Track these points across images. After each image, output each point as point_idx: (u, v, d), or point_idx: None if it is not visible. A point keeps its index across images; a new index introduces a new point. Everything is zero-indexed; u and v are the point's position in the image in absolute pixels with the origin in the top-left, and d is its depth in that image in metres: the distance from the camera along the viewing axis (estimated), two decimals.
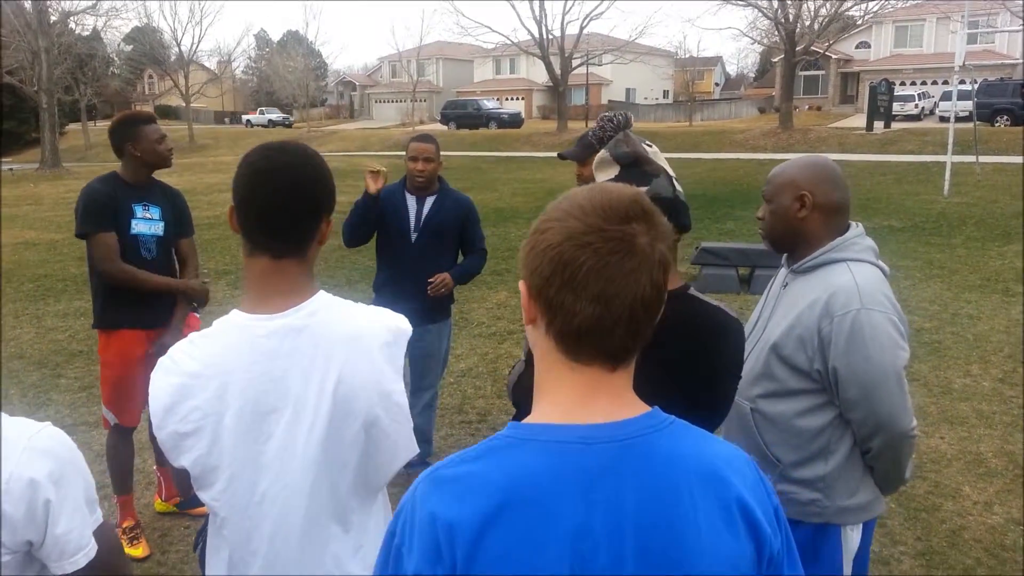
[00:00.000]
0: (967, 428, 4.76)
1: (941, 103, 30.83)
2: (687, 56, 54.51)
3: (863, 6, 29.52)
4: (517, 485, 0.91)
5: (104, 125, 53.84)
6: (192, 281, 3.62)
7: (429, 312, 3.93)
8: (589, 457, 0.92)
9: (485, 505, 0.90)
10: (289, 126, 51.47)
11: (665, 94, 61.03)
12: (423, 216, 3.96)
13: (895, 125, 28.28)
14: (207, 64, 62.23)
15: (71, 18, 30.22)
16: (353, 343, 1.40)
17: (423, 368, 4.09)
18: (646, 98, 58.23)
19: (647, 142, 1.68)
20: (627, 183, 1.61)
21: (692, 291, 1.64)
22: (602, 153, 1.64)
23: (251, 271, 1.42)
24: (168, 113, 58.14)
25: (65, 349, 6.63)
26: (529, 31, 33.36)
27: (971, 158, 17.14)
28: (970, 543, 3.55)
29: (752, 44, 42.85)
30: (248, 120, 56.58)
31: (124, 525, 3.59)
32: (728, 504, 0.94)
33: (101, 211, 3.37)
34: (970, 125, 19.11)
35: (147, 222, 3.51)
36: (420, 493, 0.94)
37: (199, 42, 76.83)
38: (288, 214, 1.39)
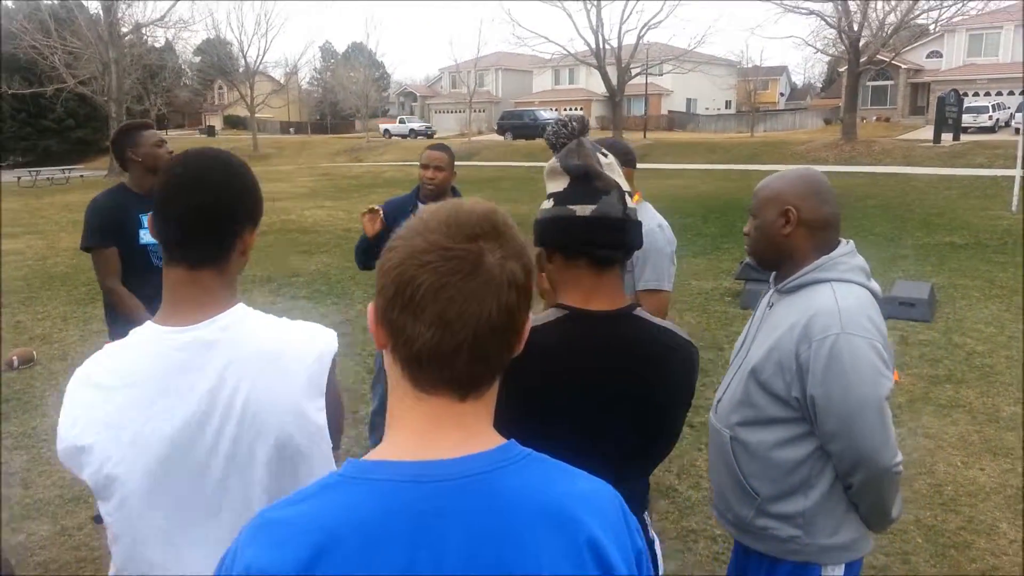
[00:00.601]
0: (1011, 460, 4.47)
1: (1017, 114, 29.56)
2: (750, 65, 53.61)
3: (933, 14, 28.52)
4: (341, 528, 0.83)
5: (176, 135, 55.99)
6: None
7: None
8: (420, 497, 0.85)
9: (303, 551, 0.82)
10: (431, 135, 48.03)
11: (727, 104, 60.16)
12: None
13: (966, 138, 27.22)
14: (273, 75, 63.93)
15: (142, 29, 31.37)
16: (268, 359, 1.34)
17: None
18: (707, 108, 57.50)
19: (603, 151, 1.58)
20: (575, 197, 1.52)
21: (639, 312, 1.53)
22: (551, 162, 1.54)
23: (167, 281, 1.38)
24: (236, 123, 59.89)
25: None
26: (585, 40, 33.23)
27: None
28: None
29: (816, 53, 41.82)
30: (386, 130, 52.69)
31: None
32: (578, 545, 0.86)
33: (103, 225, 3.42)
34: None
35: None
36: (243, 539, 0.87)
37: (264, 53, 78.79)
38: (203, 223, 1.34)
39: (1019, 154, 14.10)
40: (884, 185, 18.52)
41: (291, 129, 64.48)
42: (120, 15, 28.66)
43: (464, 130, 49.29)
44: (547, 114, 42.55)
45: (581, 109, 56.46)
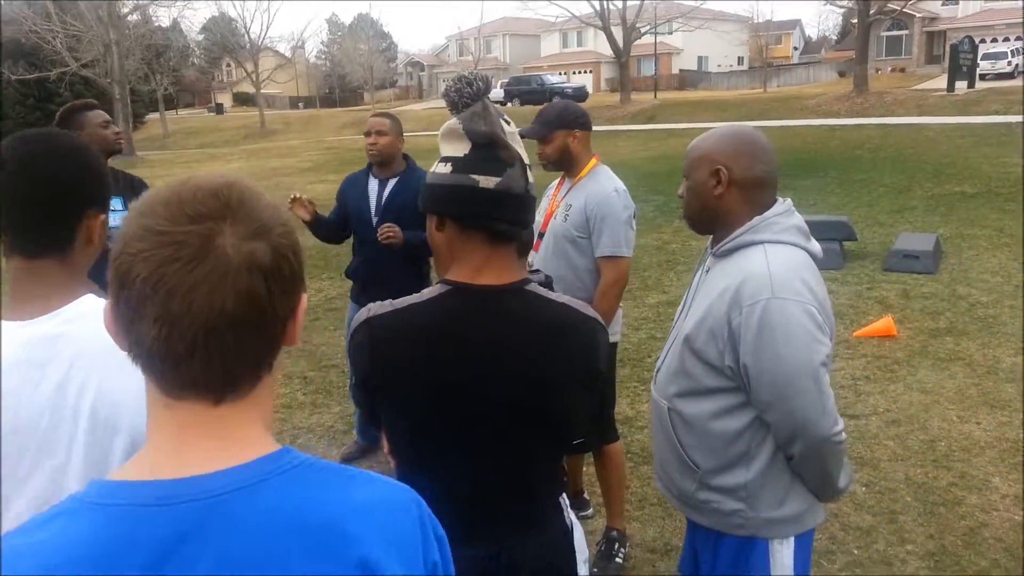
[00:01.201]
0: (1008, 413, 4.35)
1: None
2: (761, 20, 52.50)
3: None
4: (63, 567, 0.71)
5: (185, 114, 55.87)
6: None
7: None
8: (165, 523, 0.74)
9: None
10: (583, 97, 38.30)
11: (740, 61, 59.07)
12: (383, 198, 3.83)
13: (984, 84, 26.51)
14: (280, 50, 63.55)
15: (139, 10, 31.11)
16: (117, 353, 1.26)
17: None
18: (719, 65, 56.49)
19: (506, 118, 1.47)
20: (478, 166, 1.41)
21: (533, 287, 1.44)
22: (452, 123, 1.43)
23: (8, 273, 1.29)
24: (246, 100, 59.63)
25: None
26: (589, 2, 32.60)
27: None
28: (989, 542, 3.21)
29: (826, 5, 40.68)
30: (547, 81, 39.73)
31: None
32: (346, 566, 0.76)
33: None
34: None
35: (113, 214, 3.47)
36: None
37: (267, 28, 78.27)
38: (36, 210, 1.26)
39: None
40: (896, 136, 18.09)
41: (300, 104, 64.21)
42: None
43: None
44: (554, 78, 41.96)
45: (590, 71, 55.76)
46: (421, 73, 69.29)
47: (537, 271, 2.83)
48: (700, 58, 56.24)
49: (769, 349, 1.70)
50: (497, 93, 38.77)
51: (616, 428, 3.32)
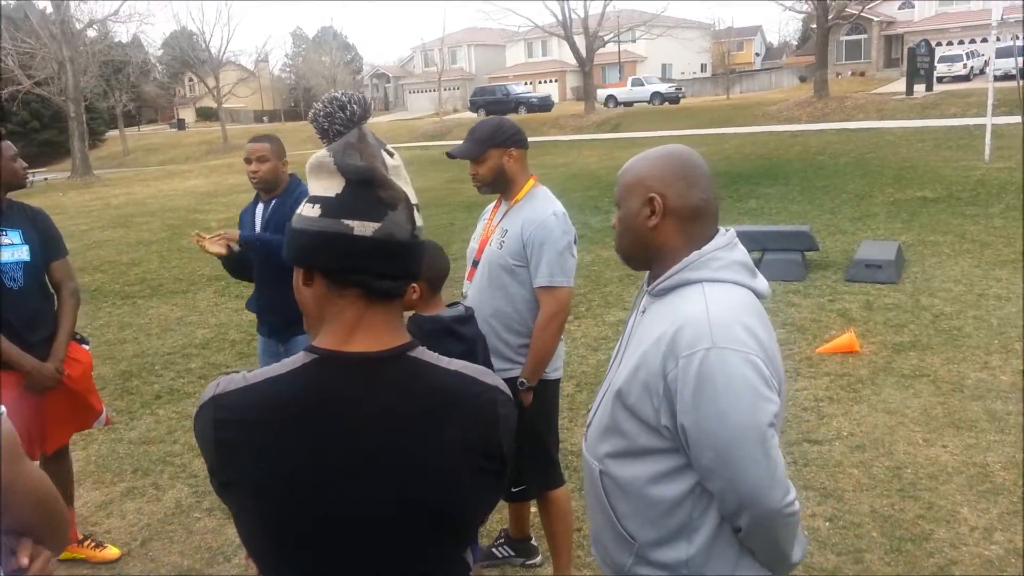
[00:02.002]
0: (975, 434, 4.18)
1: (994, 60, 29.24)
2: (723, 27, 52.95)
3: None
4: None
5: (148, 130, 54.91)
6: (43, 365, 3.21)
7: (297, 322, 3.38)
8: None
9: None
10: (679, 99, 37.67)
11: (703, 68, 59.49)
12: (264, 220, 3.64)
13: (941, 88, 26.87)
14: (245, 64, 62.77)
15: (95, 25, 30.43)
16: None
17: None
18: (683, 73, 56.87)
19: (388, 148, 1.22)
20: (353, 209, 1.13)
21: (419, 352, 1.20)
22: (321, 155, 1.18)
23: None
24: (209, 115, 58.79)
25: None
26: (551, 10, 32.56)
27: (1017, 119, 16.05)
28: None
29: (784, 11, 41.16)
30: (611, 96, 39.24)
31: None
32: None
33: None
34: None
35: (7, 248, 3.18)
36: None
37: (228, 42, 77.28)
38: None
39: (989, 102, 13.79)
40: (857, 141, 18.17)
41: (264, 118, 63.47)
42: (73, 12, 27.81)
43: (438, 109, 48.57)
44: (520, 88, 41.93)
45: (555, 81, 55.80)
46: (387, 85, 68.88)
47: (456, 304, 2.60)
48: (664, 65, 56.55)
49: (709, 408, 1.47)
50: (413, 103, 38.54)
51: (561, 473, 3.09)
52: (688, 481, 1.57)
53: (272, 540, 1.17)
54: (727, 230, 1.69)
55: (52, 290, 3.41)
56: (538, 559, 3.32)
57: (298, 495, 1.12)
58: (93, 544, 3.63)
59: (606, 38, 34.38)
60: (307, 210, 1.16)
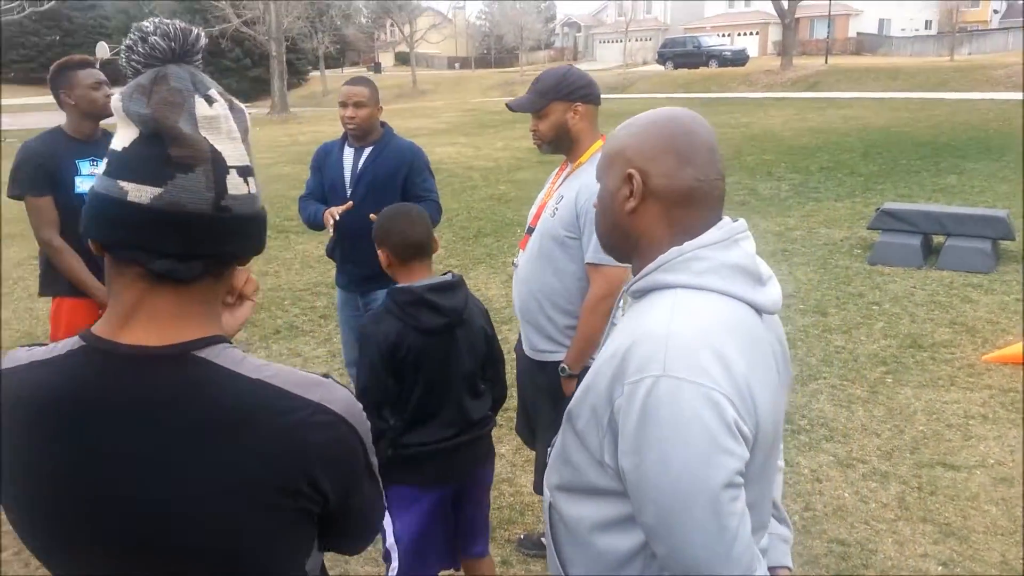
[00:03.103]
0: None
1: None
2: None
3: None
4: None
5: (350, 72, 57.81)
6: None
7: (378, 277, 3.10)
8: None
9: None
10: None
11: (927, 24, 53.62)
12: (359, 168, 3.47)
13: None
14: (442, 10, 64.25)
15: None
16: None
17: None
18: (903, 29, 51.59)
19: (210, 93, 0.96)
20: (133, 169, 0.89)
21: (220, 351, 0.94)
22: (115, 98, 0.95)
23: None
24: (406, 60, 60.98)
25: None
26: None
27: None
28: None
29: None
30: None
31: None
32: None
33: (34, 173, 3.16)
34: None
35: (94, 178, 3.24)
36: None
37: None
38: None
39: None
40: None
41: (456, 64, 64.84)
42: None
43: (628, 61, 47.31)
44: (712, 40, 39.81)
45: (756, 34, 52.55)
46: (577, 34, 68.02)
47: (447, 273, 2.30)
48: (881, 21, 51.60)
49: (651, 453, 1.12)
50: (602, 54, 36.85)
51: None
52: (639, 535, 1.22)
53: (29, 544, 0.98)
54: (736, 220, 1.29)
55: None
56: None
57: (36, 510, 0.92)
58: None
59: None
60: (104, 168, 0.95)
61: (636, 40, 54.38)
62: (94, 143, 3.25)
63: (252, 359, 0.97)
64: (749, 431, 1.14)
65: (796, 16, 30.94)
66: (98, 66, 3.32)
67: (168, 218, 0.90)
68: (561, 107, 2.50)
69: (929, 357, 4.88)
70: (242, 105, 1.01)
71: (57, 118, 3.33)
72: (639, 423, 1.12)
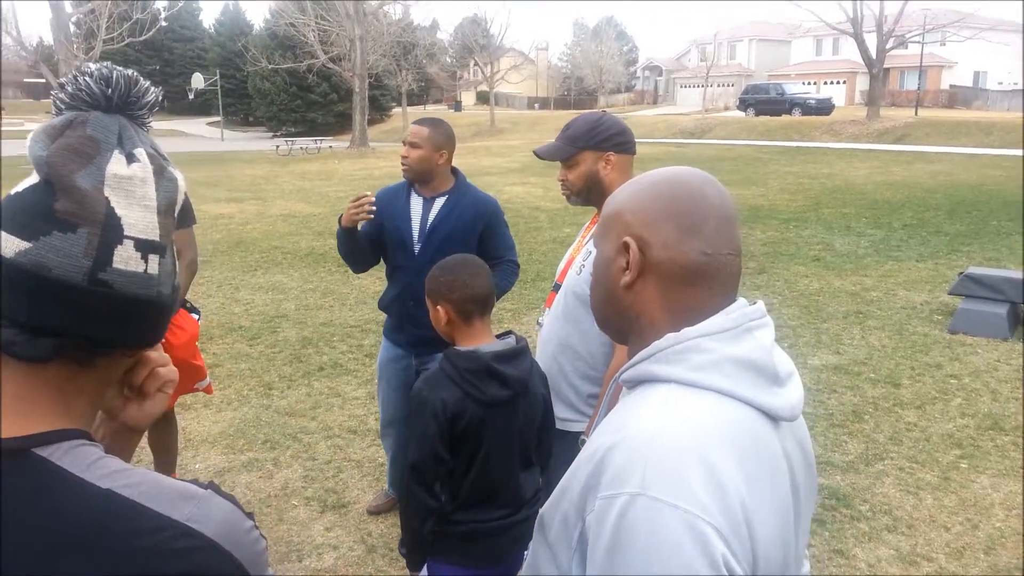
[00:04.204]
0: None
1: None
2: None
3: None
4: None
5: (431, 109, 59.17)
6: None
7: (440, 340, 3.06)
8: None
9: None
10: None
11: None
12: (428, 221, 3.22)
13: None
14: (524, 51, 65.21)
15: (389, 6, 32.94)
16: None
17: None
18: (1000, 83, 49.64)
19: (143, 150, 0.82)
20: (19, 213, 0.77)
21: (51, 452, 0.78)
22: (31, 135, 0.83)
23: None
24: (487, 99, 62.15)
25: (216, 323, 6.89)
26: (843, 8, 29.71)
27: None
28: None
29: None
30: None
31: None
32: None
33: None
34: None
35: None
36: None
37: (506, 30, 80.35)
38: None
39: None
40: None
41: (536, 104, 65.53)
42: None
43: (708, 105, 46.92)
44: (796, 88, 39.10)
45: (843, 82, 51.48)
46: (658, 78, 67.99)
47: (507, 334, 2.11)
48: (977, 73, 49.85)
49: None
50: (683, 97, 36.54)
51: None
52: None
53: None
54: (752, 303, 1.08)
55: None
56: None
57: None
58: None
59: (907, 37, 30.80)
60: None
61: (718, 85, 53.91)
62: None
63: (109, 462, 0.80)
64: (743, 570, 0.91)
65: (886, 66, 30.16)
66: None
67: (25, 279, 0.75)
68: (592, 156, 2.32)
69: (1011, 442, 4.43)
70: (178, 175, 0.87)
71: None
72: (608, 551, 0.90)
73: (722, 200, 1.08)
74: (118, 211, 0.78)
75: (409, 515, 2.06)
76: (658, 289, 1.06)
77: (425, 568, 2.13)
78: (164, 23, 38.17)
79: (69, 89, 0.82)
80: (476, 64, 60.88)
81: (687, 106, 54.39)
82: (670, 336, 1.03)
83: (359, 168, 22.31)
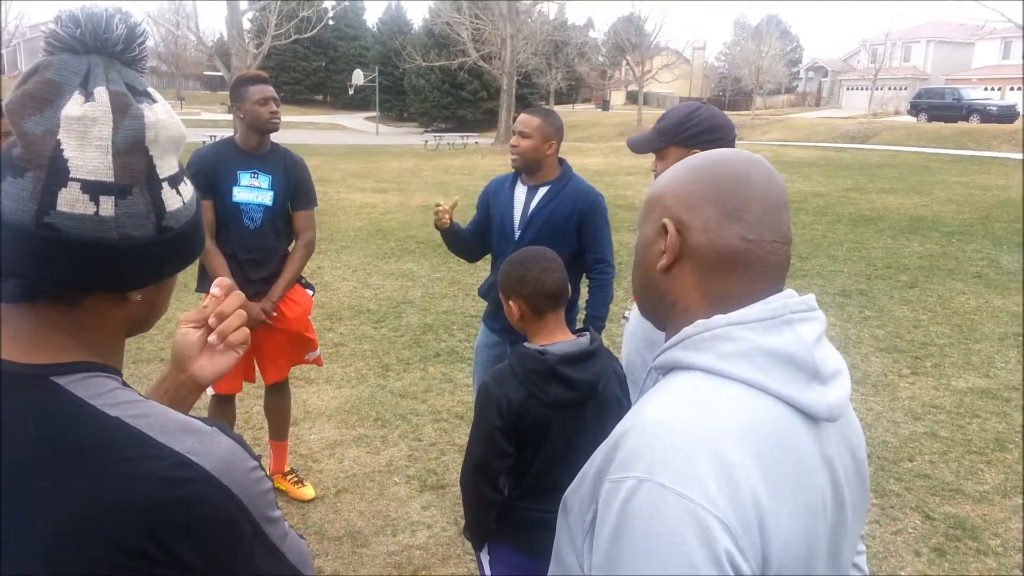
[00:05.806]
0: None
1: None
2: None
3: None
4: None
5: (580, 108, 59.12)
6: (250, 304, 3.27)
7: None
8: None
9: None
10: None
11: None
12: (531, 208, 3.21)
13: None
14: (679, 49, 63.97)
15: (552, 7, 33.25)
16: None
17: None
18: None
19: (103, 88, 0.84)
20: None
21: (68, 381, 0.84)
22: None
23: None
24: (636, 98, 61.49)
25: (347, 305, 7.18)
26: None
27: None
28: None
29: None
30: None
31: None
32: None
33: (193, 177, 3.35)
34: None
35: (252, 190, 3.39)
36: None
37: (660, 28, 78.88)
38: None
39: None
40: None
41: None
42: None
43: (876, 110, 44.17)
44: (976, 93, 36.06)
45: None
46: (823, 79, 64.69)
47: (584, 330, 2.07)
48: None
49: (621, 572, 0.85)
50: (848, 100, 34.21)
51: None
52: None
53: None
54: (798, 296, 1.01)
55: (291, 236, 3.59)
56: None
57: None
58: (295, 479, 3.81)
59: None
60: None
61: (888, 88, 50.64)
62: (259, 156, 3.41)
63: (123, 393, 0.85)
64: (751, 569, 0.83)
65: None
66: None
67: None
68: (678, 152, 2.21)
69: None
70: (153, 112, 0.86)
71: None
72: (613, 535, 0.86)
73: (770, 185, 1.01)
74: (66, 153, 0.79)
75: (473, 506, 2.06)
76: (695, 274, 1.01)
77: (485, 548, 2.13)
78: (331, 21, 40.34)
79: (52, 39, 0.84)
80: (627, 64, 60.38)
81: (852, 109, 51.41)
82: (700, 323, 0.98)
83: (500, 163, 22.64)
